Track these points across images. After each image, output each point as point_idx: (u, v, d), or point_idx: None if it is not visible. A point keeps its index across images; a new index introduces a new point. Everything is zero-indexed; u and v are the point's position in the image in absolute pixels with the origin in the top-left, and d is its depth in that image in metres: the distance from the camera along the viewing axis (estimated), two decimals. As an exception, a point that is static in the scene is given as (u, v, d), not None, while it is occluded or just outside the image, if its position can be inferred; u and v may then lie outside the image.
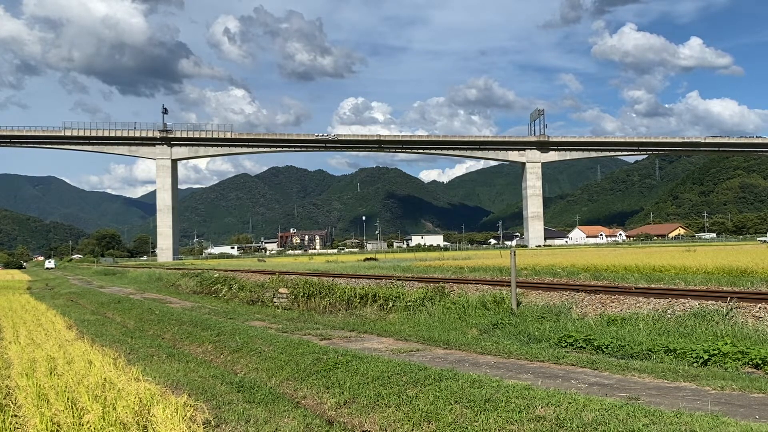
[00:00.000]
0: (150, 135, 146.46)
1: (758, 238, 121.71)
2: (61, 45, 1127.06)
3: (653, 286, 16.69)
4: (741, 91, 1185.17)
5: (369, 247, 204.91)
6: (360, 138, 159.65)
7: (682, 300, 13.58)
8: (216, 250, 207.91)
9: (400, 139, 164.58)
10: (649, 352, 10.80)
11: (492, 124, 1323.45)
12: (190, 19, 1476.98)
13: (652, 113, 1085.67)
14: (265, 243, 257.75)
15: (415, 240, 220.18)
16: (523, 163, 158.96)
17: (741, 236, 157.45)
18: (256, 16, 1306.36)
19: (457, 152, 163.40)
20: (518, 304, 15.93)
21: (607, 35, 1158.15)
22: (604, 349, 11.36)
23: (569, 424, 6.35)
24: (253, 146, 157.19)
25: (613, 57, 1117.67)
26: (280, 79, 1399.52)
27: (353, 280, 25.89)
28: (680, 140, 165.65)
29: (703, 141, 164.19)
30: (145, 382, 8.77)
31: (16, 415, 7.85)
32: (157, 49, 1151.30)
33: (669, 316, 13.05)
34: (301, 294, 23.88)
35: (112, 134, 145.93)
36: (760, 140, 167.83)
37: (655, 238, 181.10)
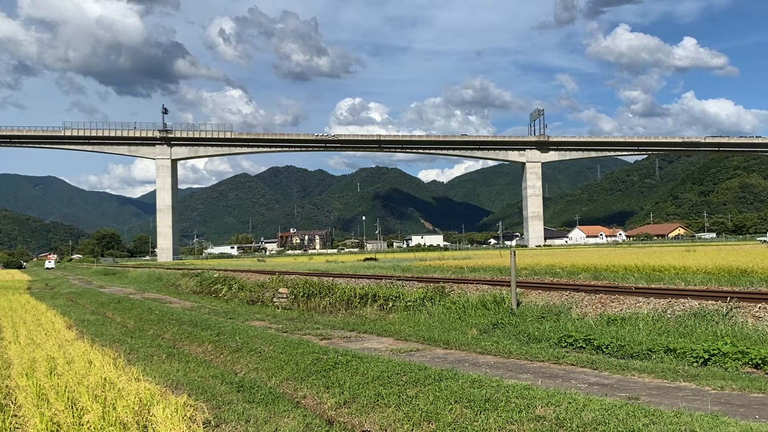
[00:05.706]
0: (150, 135, 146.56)
1: (758, 238, 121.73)
2: (57, 46, 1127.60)
3: (653, 286, 16.67)
4: (737, 91, 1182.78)
5: (369, 247, 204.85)
6: (360, 138, 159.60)
7: (682, 300, 13.57)
8: (216, 250, 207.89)
9: (400, 139, 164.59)
10: (649, 352, 10.80)
11: (489, 125, 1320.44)
12: (187, 19, 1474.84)
13: (649, 113, 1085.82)
14: (265, 243, 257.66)
15: (415, 240, 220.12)
16: (523, 163, 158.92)
17: (741, 236, 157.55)
18: (251, 16, 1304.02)
19: (457, 152, 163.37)
20: (518, 304, 15.93)
21: (600, 36, 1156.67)
22: (604, 349, 11.35)
23: (569, 424, 6.35)
24: (253, 146, 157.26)
25: (608, 58, 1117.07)
26: (277, 79, 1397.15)
27: (353, 280, 25.87)
28: (680, 140, 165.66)
29: (702, 141, 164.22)
30: (145, 382, 8.77)
31: (16, 415, 7.85)
32: (154, 50, 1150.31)
33: (669, 316, 13.05)
34: (301, 294, 23.88)
35: (112, 134, 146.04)
36: (759, 140, 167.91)
37: (655, 238, 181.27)
